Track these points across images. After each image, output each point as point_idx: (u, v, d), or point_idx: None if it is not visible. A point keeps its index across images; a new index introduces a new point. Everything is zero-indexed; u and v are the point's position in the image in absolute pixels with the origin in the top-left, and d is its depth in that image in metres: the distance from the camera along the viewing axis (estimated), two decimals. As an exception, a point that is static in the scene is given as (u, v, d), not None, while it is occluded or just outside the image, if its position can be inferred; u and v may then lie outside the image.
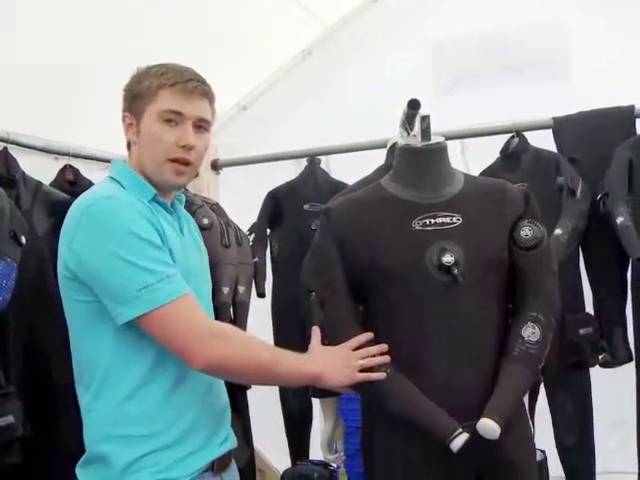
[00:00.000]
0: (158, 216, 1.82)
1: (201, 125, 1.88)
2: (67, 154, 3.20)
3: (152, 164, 1.85)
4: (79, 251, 1.73)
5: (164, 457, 1.78)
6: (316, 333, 1.98)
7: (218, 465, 1.90)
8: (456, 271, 1.88)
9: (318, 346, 1.96)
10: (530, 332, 1.92)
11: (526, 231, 1.95)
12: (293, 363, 1.85)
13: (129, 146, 1.91)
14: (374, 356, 1.89)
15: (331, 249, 1.98)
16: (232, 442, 2.00)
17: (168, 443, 1.79)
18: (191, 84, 1.84)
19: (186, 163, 1.86)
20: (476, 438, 1.81)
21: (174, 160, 1.84)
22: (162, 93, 1.82)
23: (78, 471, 1.85)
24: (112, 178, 1.87)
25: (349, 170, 3.19)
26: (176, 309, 1.71)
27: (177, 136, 1.83)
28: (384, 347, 1.90)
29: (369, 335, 1.91)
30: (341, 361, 1.87)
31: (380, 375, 1.87)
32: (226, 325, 1.86)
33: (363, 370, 1.88)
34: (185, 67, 1.88)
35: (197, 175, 4.06)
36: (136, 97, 1.85)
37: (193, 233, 2.02)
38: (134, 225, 1.72)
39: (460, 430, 1.81)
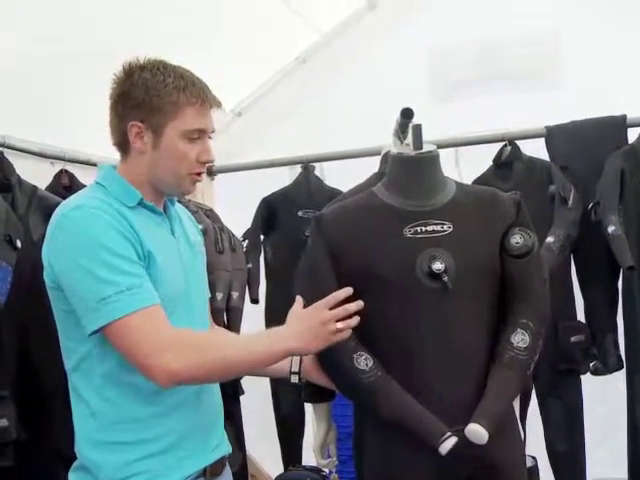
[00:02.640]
0: (140, 221, 1.81)
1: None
2: (63, 159, 3.21)
3: (171, 178, 1.86)
4: (53, 263, 1.75)
5: (155, 463, 1.78)
6: (298, 301, 1.92)
7: (211, 471, 1.89)
8: (446, 278, 1.89)
9: (295, 312, 1.88)
10: (520, 338, 1.94)
11: (517, 239, 1.96)
12: (262, 347, 1.79)
13: (125, 151, 1.87)
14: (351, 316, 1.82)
15: (322, 256, 1.99)
16: (226, 448, 1.99)
17: (159, 449, 1.79)
18: (211, 99, 1.85)
19: (201, 174, 1.90)
20: (465, 442, 1.82)
21: (194, 174, 1.87)
22: (188, 111, 1.81)
23: (70, 476, 1.86)
24: (98, 183, 1.87)
25: (343, 177, 3.20)
26: (135, 322, 1.68)
27: (198, 152, 1.84)
28: (360, 303, 1.83)
29: (348, 290, 1.85)
30: (315, 327, 1.80)
31: (350, 323, 1.81)
32: (187, 332, 1.78)
33: None
34: (195, 76, 1.87)
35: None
36: (154, 110, 1.80)
37: (187, 233, 2.00)
38: (100, 235, 1.71)
39: (449, 434, 1.82)
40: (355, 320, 1.83)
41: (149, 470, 1.77)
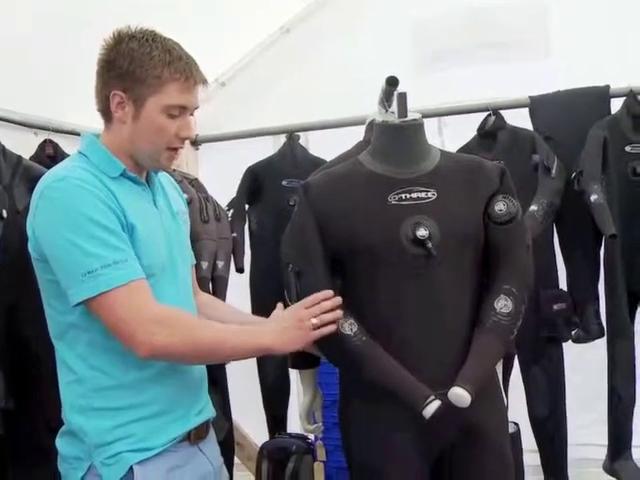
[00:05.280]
0: (122, 192, 1.81)
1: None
2: (47, 128, 3.19)
3: (149, 150, 1.85)
4: (37, 234, 1.76)
5: (140, 428, 1.80)
6: (279, 307, 2.02)
7: (195, 434, 1.92)
8: (430, 245, 1.91)
9: (276, 314, 2.00)
10: (503, 304, 1.96)
11: (500, 206, 1.98)
12: (239, 340, 1.85)
13: (108, 119, 1.87)
14: (329, 312, 1.90)
15: (309, 223, 2.00)
16: (210, 412, 2.01)
17: (145, 415, 1.81)
18: (197, 76, 1.84)
19: (178, 149, 1.90)
20: (448, 406, 1.84)
21: (172, 148, 1.87)
22: (170, 86, 1.81)
23: (57, 442, 1.88)
24: (81, 153, 1.87)
25: (328, 146, 3.20)
26: (120, 295, 1.70)
27: (177, 127, 1.84)
28: (338, 300, 1.91)
29: (327, 293, 1.91)
30: (293, 324, 1.87)
31: (332, 327, 1.88)
32: (173, 311, 1.80)
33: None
34: (183, 51, 1.86)
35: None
36: (137, 81, 1.80)
37: (170, 203, 2.01)
38: (86, 207, 1.72)
39: (433, 397, 1.84)
40: (332, 315, 1.89)
41: (134, 434, 1.79)
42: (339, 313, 1.91)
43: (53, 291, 1.80)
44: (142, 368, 1.80)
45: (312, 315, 1.87)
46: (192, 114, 1.91)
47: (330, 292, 1.92)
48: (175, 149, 1.89)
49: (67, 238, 1.70)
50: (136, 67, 1.80)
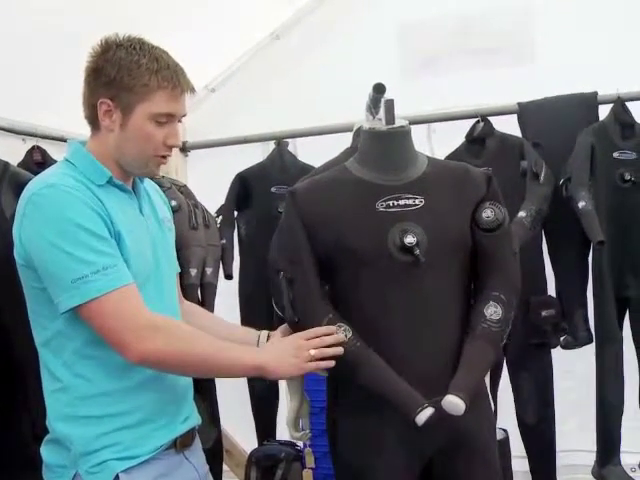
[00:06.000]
0: (109, 199, 1.81)
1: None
2: (35, 135, 3.19)
3: (137, 158, 1.85)
4: (24, 241, 1.75)
5: (126, 436, 1.80)
6: (282, 330, 2.04)
7: (181, 442, 1.91)
8: (418, 252, 1.91)
9: (275, 339, 2.00)
10: (492, 311, 1.96)
11: (488, 213, 1.98)
12: (234, 355, 1.84)
13: (95, 126, 1.87)
14: (329, 346, 1.89)
15: (298, 229, 2.00)
16: (195, 419, 2.01)
17: (130, 423, 1.80)
18: (184, 84, 1.84)
19: (166, 156, 1.89)
20: (440, 414, 1.83)
21: (159, 156, 1.87)
22: (159, 95, 1.80)
23: (42, 450, 1.87)
24: (67, 160, 1.87)
25: (316, 153, 3.21)
26: (112, 301, 1.70)
27: (164, 135, 1.84)
28: (340, 338, 1.91)
29: (330, 329, 1.91)
30: (290, 351, 1.86)
31: (329, 363, 1.88)
32: (167, 319, 1.81)
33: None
34: (171, 59, 1.85)
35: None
36: (124, 89, 1.80)
37: (156, 210, 2.01)
38: (75, 214, 1.72)
39: (425, 405, 1.84)
40: (333, 350, 1.88)
41: (120, 442, 1.79)
42: (340, 350, 1.89)
43: (39, 298, 1.79)
44: (127, 376, 1.80)
45: (312, 347, 1.86)
46: (180, 121, 1.90)
47: (333, 328, 1.92)
48: (163, 156, 1.88)
49: (55, 245, 1.70)
50: (124, 75, 1.79)
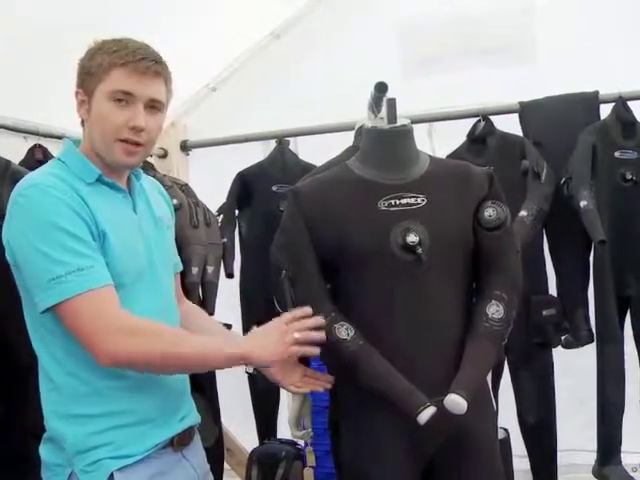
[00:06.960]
0: (96, 198, 1.79)
1: (154, 106, 1.84)
2: (36, 133, 3.18)
3: (102, 144, 1.82)
4: (11, 241, 1.75)
5: (121, 435, 1.79)
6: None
7: (178, 441, 1.90)
8: (420, 250, 1.91)
9: (258, 328, 1.94)
10: (494, 310, 1.96)
11: (490, 212, 1.99)
12: (214, 348, 1.82)
13: (82, 123, 1.87)
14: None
15: (299, 228, 2.00)
16: (194, 418, 1.99)
17: (125, 422, 1.79)
18: (143, 63, 1.79)
19: (136, 144, 1.82)
20: (442, 412, 1.84)
21: (124, 140, 1.81)
22: (113, 72, 1.77)
23: (40, 449, 1.86)
24: (59, 159, 1.86)
25: (317, 152, 3.21)
26: (85, 302, 1.68)
27: (127, 117, 1.79)
28: (319, 320, 1.89)
29: (306, 310, 1.89)
30: (274, 337, 1.83)
31: (314, 349, 1.87)
32: (146, 322, 1.76)
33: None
34: (140, 44, 1.83)
35: (165, 156, 4.09)
36: (88, 74, 1.80)
37: (152, 208, 1.98)
38: (52, 215, 1.70)
39: (427, 403, 1.84)
40: (318, 335, 1.87)
41: (114, 441, 1.78)
42: (323, 336, 1.88)
43: (29, 297, 1.78)
44: (119, 375, 1.78)
45: (294, 330, 1.84)
46: (157, 108, 1.85)
47: (309, 309, 1.90)
48: (126, 141, 1.81)
49: (34, 245, 1.69)
50: (87, 60, 1.81)
